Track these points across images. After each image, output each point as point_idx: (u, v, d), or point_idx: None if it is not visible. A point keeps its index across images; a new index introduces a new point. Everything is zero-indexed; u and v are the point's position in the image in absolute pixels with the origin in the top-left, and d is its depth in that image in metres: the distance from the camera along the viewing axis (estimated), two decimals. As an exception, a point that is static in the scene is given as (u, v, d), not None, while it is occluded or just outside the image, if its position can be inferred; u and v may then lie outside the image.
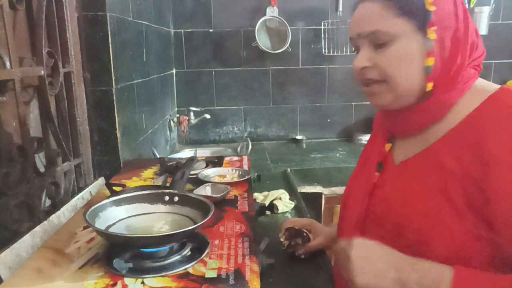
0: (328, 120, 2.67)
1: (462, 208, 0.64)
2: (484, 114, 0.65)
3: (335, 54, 2.45)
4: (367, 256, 0.66)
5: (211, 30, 2.46)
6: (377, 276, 0.64)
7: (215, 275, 0.67)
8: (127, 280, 0.66)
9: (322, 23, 2.43)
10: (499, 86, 0.69)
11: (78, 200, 1.02)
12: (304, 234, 1.01)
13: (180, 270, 0.69)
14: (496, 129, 0.62)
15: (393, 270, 0.64)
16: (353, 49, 0.77)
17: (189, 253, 0.74)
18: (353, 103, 2.65)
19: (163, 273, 0.68)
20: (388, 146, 0.81)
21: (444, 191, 0.66)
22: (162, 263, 0.70)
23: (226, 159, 1.45)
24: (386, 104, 0.73)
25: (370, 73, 0.72)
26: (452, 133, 0.69)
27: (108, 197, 0.88)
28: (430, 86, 0.69)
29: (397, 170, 0.77)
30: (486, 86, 0.70)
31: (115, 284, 0.65)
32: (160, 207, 0.85)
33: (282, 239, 1.02)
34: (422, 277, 0.62)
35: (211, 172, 1.25)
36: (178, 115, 2.41)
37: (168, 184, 1.09)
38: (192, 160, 1.17)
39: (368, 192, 0.80)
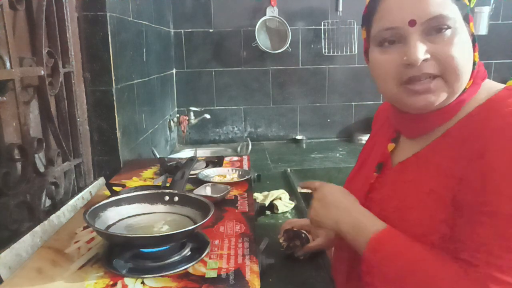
0: (328, 120, 2.67)
1: (453, 211, 0.62)
2: (483, 114, 0.63)
3: (335, 54, 2.45)
4: (325, 198, 0.78)
5: (211, 30, 2.46)
6: (324, 214, 0.77)
7: (215, 275, 0.67)
8: (127, 280, 0.66)
9: (322, 23, 2.43)
10: (503, 86, 0.67)
11: (78, 200, 1.02)
12: (303, 235, 1.01)
13: (180, 270, 0.69)
14: (494, 134, 0.60)
15: (337, 212, 0.74)
16: (381, 43, 0.67)
17: (189, 253, 0.74)
18: (353, 103, 2.65)
19: (163, 273, 0.68)
20: (391, 147, 0.78)
21: (436, 193, 0.64)
22: (162, 263, 0.70)
23: (226, 159, 1.44)
24: (439, 103, 0.65)
25: (428, 66, 0.63)
26: (450, 132, 0.67)
27: (108, 197, 0.88)
28: (469, 83, 0.66)
29: (394, 171, 0.75)
30: (490, 86, 0.68)
31: (115, 284, 0.65)
32: (160, 207, 0.85)
33: (280, 241, 1.02)
34: (353, 223, 0.71)
35: (211, 172, 1.25)
36: (178, 115, 2.41)
37: (168, 184, 1.09)
38: (192, 160, 1.17)
39: (365, 193, 0.78)
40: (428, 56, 0.62)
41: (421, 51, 0.61)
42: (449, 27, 0.61)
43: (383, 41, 0.66)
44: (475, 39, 0.65)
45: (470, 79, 0.66)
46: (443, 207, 0.63)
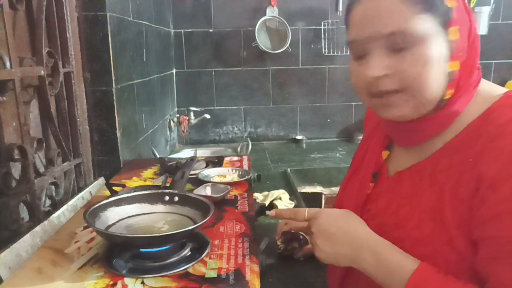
0: (328, 120, 2.67)
1: (455, 231, 0.60)
2: (483, 127, 0.60)
3: (335, 54, 2.45)
4: (328, 232, 0.66)
5: (211, 30, 2.46)
6: (335, 252, 0.65)
7: (215, 275, 0.67)
8: (127, 280, 0.66)
9: (322, 23, 2.43)
10: (503, 91, 0.63)
11: (78, 200, 1.02)
12: (301, 237, 1.00)
13: (180, 270, 0.69)
14: (494, 146, 0.57)
15: (350, 248, 0.64)
16: (353, 55, 0.65)
17: (189, 253, 0.74)
18: (353, 103, 2.65)
19: (163, 273, 0.68)
20: (385, 154, 0.75)
21: (438, 211, 0.61)
22: (162, 263, 0.70)
23: (226, 159, 1.44)
24: (404, 116, 0.63)
25: (387, 83, 0.61)
26: (450, 145, 0.64)
27: (108, 197, 0.88)
28: (449, 93, 0.61)
29: (391, 182, 0.72)
30: (489, 92, 0.64)
31: (115, 284, 0.65)
32: (160, 207, 0.85)
33: (278, 243, 1.02)
34: (379, 263, 0.61)
35: (211, 172, 1.25)
36: (178, 115, 2.41)
37: (168, 184, 1.09)
38: (192, 160, 1.17)
39: (361, 205, 0.75)
40: (388, 72, 0.60)
41: (376, 68, 0.60)
42: (411, 42, 0.58)
43: (353, 52, 0.65)
44: (454, 46, 0.60)
45: (450, 89, 0.61)
46: (446, 228, 0.60)
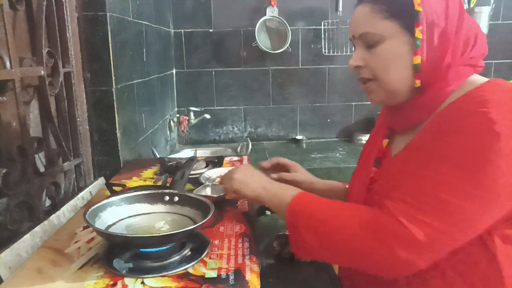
0: (328, 120, 2.67)
1: None
2: (460, 102, 0.68)
3: (335, 54, 2.45)
4: (244, 176, 0.88)
5: (211, 30, 2.46)
6: (247, 184, 0.86)
7: (215, 275, 0.67)
8: (127, 280, 0.66)
9: (322, 23, 2.43)
10: (490, 79, 0.71)
11: (78, 200, 1.02)
12: None
13: (180, 270, 0.69)
14: (464, 118, 0.65)
15: (258, 187, 0.85)
16: (353, 48, 0.81)
17: (189, 253, 0.74)
18: (353, 103, 2.65)
19: (163, 273, 0.68)
20: (385, 142, 0.84)
21: (421, 169, 0.70)
22: (162, 263, 0.70)
23: (226, 159, 1.44)
24: (380, 100, 0.78)
25: (363, 72, 0.77)
26: (432, 121, 0.73)
27: (108, 197, 0.88)
28: (418, 83, 0.72)
29: (390, 163, 0.81)
30: (477, 80, 0.72)
31: (115, 284, 0.65)
32: (160, 207, 0.86)
33: (274, 245, 1.01)
34: (273, 195, 0.83)
35: (212, 174, 1.24)
36: (178, 115, 2.41)
37: (168, 184, 1.09)
38: (192, 160, 1.17)
39: (365, 187, 0.84)
40: (361, 63, 0.76)
41: (353, 60, 0.77)
42: (377, 41, 0.72)
43: (354, 49, 0.80)
44: (419, 43, 0.70)
45: (417, 78, 0.72)
46: None
